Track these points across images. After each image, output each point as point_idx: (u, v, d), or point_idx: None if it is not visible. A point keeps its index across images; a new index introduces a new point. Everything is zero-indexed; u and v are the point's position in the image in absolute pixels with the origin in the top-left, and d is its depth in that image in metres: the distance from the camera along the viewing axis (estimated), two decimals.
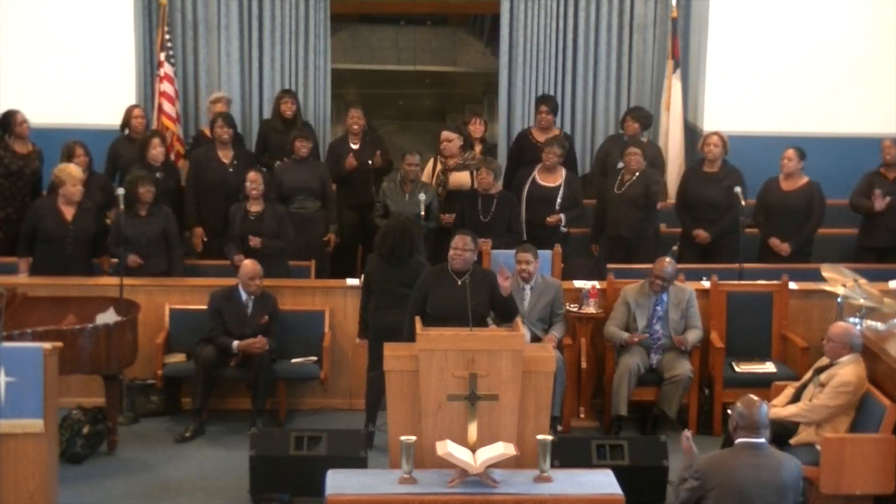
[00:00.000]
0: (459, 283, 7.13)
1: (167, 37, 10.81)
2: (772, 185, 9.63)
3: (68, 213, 8.82)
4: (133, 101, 10.70)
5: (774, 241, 9.50)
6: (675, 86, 11.12)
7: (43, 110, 10.53)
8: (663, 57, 11.33)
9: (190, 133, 10.97)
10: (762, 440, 5.55)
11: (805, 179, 9.58)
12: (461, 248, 7.23)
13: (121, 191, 8.69)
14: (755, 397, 5.69)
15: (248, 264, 8.40)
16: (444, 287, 7.19)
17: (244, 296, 8.38)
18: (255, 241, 8.92)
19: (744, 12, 11.06)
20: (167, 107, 10.62)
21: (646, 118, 10.40)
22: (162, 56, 10.74)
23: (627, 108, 11.16)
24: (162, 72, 10.71)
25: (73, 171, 8.84)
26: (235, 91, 11.17)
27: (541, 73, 11.36)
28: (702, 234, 9.64)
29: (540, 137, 10.14)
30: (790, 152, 9.55)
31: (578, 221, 9.78)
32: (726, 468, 5.49)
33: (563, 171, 9.62)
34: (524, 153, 10.20)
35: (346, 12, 14.40)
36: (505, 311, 7.25)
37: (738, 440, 5.59)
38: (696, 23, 11.40)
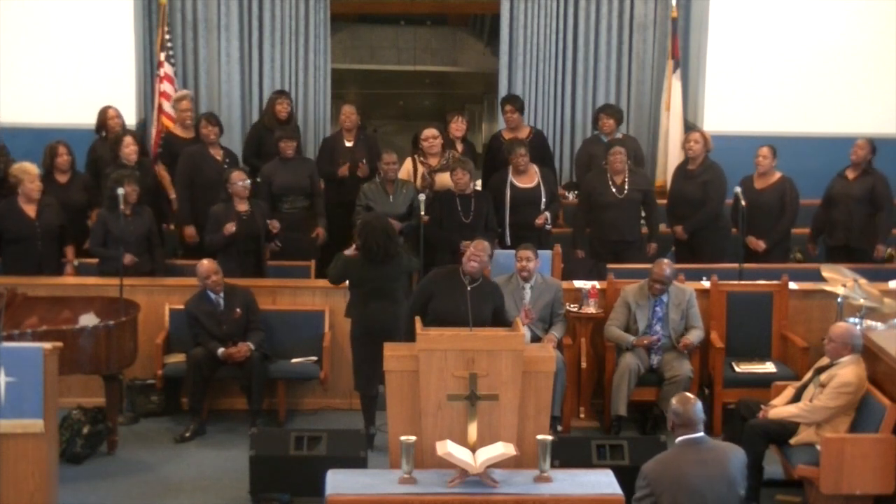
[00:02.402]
0: (469, 289, 7.07)
1: (167, 37, 10.80)
2: (745, 184, 9.55)
3: (31, 210, 8.87)
4: (133, 101, 10.73)
5: (751, 239, 9.50)
6: (675, 86, 11.12)
7: (43, 110, 10.56)
8: (663, 57, 11.33)
9: None
10: (701, 434, 5.57)
11: (777, 175, 9.58)
12: (480, 252, 7.19)
13: (121, 191, 8.65)
14: (689, 395, 5.72)
15: (204, 264, 8.40)
16: (451, 291, 7.14)
17: (213, 295, 8.38)
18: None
19: (744, 12, 11.06)
20: (167, 107, 10.60)
21: (619, 113, 10.41)
22: (162, 56, 10.73)
23: (627, 107, 11.18)
24: (162, 72, 10.69)
25: (28, 169, 8.90)
26: (235, 91, 11.18)
27: (541, 73, 11.36)
28: (678, 230, 9.65)
29: (509, 137, 10.11)
30: (765, 150, 9.54)
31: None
32: (674, 469, 5.48)
33: (535, 169, 9.56)
34: (498, 154, 10.12)
35: (346, 12, 14.39)
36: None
37: (679, 438, 5.59)
38: (696, 23, 11.40)
